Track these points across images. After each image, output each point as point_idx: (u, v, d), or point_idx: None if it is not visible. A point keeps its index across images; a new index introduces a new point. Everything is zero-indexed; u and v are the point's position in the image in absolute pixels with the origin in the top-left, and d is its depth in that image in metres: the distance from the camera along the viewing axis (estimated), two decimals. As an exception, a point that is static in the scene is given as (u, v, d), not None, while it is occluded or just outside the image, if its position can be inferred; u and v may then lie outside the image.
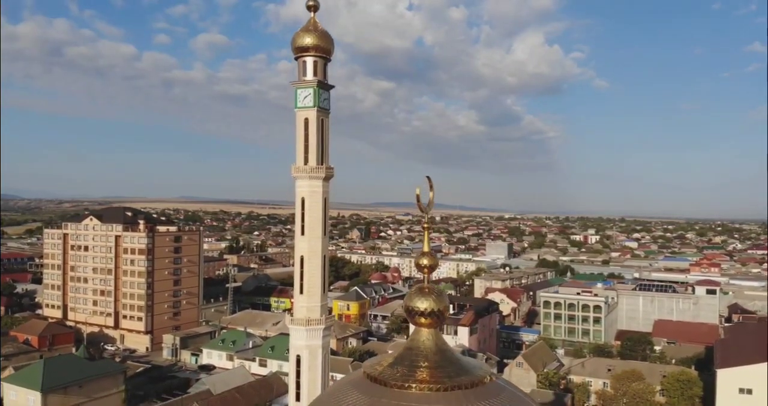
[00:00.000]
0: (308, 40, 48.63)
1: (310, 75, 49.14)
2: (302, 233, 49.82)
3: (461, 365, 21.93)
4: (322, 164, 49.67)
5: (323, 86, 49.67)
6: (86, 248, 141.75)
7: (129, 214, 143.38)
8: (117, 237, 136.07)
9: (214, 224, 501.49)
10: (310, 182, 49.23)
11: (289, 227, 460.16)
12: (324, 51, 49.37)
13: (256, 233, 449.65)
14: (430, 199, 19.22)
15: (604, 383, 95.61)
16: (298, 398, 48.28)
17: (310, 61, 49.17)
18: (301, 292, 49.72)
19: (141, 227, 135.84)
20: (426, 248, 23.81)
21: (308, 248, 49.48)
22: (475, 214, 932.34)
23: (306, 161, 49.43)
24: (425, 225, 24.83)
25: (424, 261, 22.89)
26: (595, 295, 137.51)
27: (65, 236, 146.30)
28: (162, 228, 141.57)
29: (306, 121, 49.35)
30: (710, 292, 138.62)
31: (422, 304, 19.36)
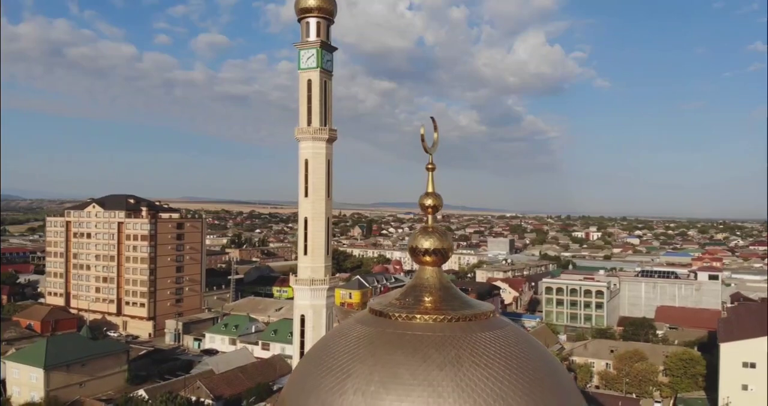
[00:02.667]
0: (311, 0, 48.76)
1: (313, 36, 49.17)
2: (306, 195, 49.93)
3: (465, 301, 22.20)
4: (325, 126, 49.72)
5: (326, 47, 49.69)
6: (89, 236, 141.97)
7: (131, 201, 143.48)
8: (120, 224, 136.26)
9: (216, 222, 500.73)
10: (314, 144, 49.23)
11: (290, 224, 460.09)
12: (327, 12, 49.41)
13: (257, 230, 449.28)
14: (435, 140, 19.41)
15: (607, 363, 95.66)
16: (301, 358, 48.19)
17: (313, 22, 49.23)
18: (305, 253, 49.82)
19: (143, 213, 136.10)
20: (430, 189, 24.04)
21: (312, 209, 49.56)
22: (476, 214, 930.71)
23: (309, 123, 49.48)
24: (429, 166, 25.02)
25: (429, 201, 22.99)
26: (597, 281, 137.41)
27: (68, 223, 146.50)
28: (164, 215, 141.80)
29: (309, 82, 49.41)
30: (712, 277, 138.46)
31: (426, 242, 19.56)
